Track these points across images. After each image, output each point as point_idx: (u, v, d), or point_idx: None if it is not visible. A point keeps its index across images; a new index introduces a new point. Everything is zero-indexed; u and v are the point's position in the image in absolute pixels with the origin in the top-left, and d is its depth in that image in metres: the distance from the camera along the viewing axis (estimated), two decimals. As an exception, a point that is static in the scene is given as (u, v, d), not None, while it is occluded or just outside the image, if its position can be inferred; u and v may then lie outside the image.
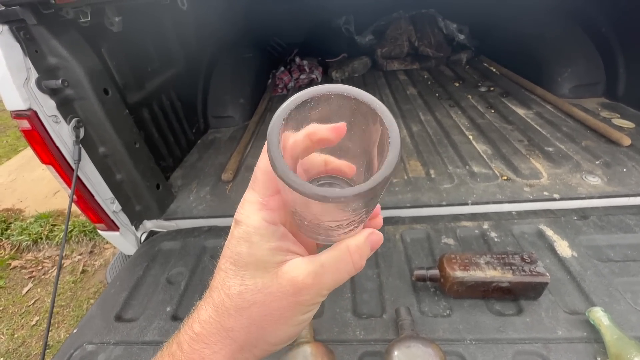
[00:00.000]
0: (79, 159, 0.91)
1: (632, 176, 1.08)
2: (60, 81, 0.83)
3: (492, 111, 1.62)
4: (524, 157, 1.24)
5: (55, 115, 0.87)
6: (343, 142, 0.24)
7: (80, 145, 0.93)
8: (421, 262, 0.89)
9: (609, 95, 1.58)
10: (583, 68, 1.62)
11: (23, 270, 2.78)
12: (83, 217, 2.81)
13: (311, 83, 2.30)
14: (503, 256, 0.76)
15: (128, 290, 0.92)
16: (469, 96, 1.79)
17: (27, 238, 2.87)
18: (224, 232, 1.10)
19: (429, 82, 2.06)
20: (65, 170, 0.92)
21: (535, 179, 1.13)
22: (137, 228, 1.17)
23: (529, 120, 1.49)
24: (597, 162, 1.17)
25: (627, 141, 1.22)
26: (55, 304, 2.37)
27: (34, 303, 2.47)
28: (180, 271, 0.97)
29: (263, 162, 0.26)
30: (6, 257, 2.94)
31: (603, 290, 0.76)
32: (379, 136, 0.23)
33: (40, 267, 2.76)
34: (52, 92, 0.85)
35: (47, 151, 0.86)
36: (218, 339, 0.26)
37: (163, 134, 1.40)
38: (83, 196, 0.98)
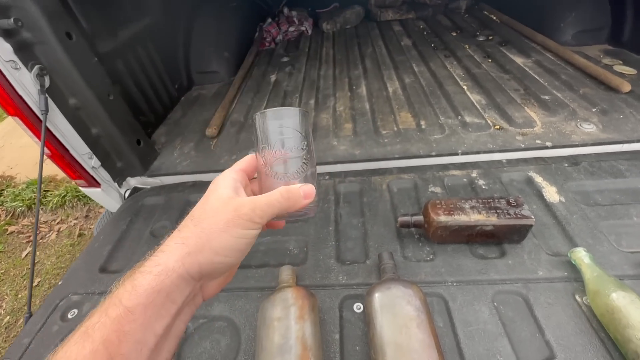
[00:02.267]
0: (47, 110, 0.86)
1: (628, 123, 1.05)
2: (12, 20, 0.75)
3: (489, 61, 1.54)
4: (518, 106, 1.19)
5: (14, 61, 0.80)
6: None
7: (47, 95, 0.87)
8: (407, 210, 0.88)
9: (613, 41, 1.49)
10: (588, 12, 1.52)
11: (20, 235, 2.81)
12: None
13: (300, 36, 2.17)
14: (489, 200, 0.75)
15: (112, 244, 0.92)
16: (466, 46, 1.70)
17: (21, 204, 2.87)
18: (207, 186, 1.08)
19: (425, 33, 1.94)
20: (33, 123, 0.87)
21: (529, 127, 1.09)
22: (120, 185, 1.15)
23: (526, 69, 1.42)
24: (593, 110, 1.12)
25: (627, 87, 1.16)
26: (54, 266, 2.42)
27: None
28: (164, 225, 0.96)
29: (245, 157, 0.42)
30: (2, 223, 2.95)
31: (587, 233, 0.75)
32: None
33: (37, 232, 2.78)
34: (6, 34, 0.78)
35: (9, 100, 0.81)
36: (174, 247, 0.33)
37: (142, 89, 1.33)
38: (57, 150, 0.94)
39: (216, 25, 1.82)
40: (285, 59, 1.89)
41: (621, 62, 1.36)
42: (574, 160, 0.96)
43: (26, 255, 2.58)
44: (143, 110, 1.32)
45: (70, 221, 2.70)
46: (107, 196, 1.12)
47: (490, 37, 1.74)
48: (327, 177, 1.04)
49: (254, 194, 0.42)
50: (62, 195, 2.81)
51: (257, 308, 0.70)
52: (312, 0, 2.32)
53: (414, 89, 1.40)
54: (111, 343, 0.27)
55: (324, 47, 1.98)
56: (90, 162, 1.03)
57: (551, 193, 0.86)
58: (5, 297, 2.27)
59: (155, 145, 1.31)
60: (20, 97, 0.84)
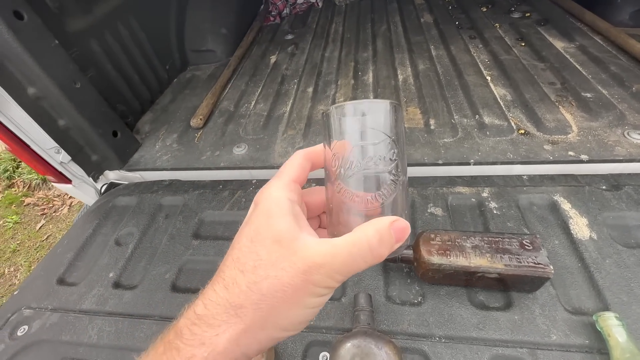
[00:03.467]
0: (-4, 102, 0.76)
1: (692, 134, 0.83)
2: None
3: (523, 44, 1.30)
4: (551, 105, 0.99)
5: (-50, 47, 0.70)
6: None
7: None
8: (399, 235, 0.74)
9: (684, 22, 1.21)
10: (655, -16, 1.23)
11: (36, 207, 2.89)
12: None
13: (310, 9, 1.96)
14: (497, 239, 0.60)
15: (74, 251, 0.85)
16: (497, 25, 1.44)
17: (37, 176, 2.93)
18: (183, 187, 0.98)
19: (450, 7, 1.68)
20: (-18, 116, 0.78)
21: (561, 134, 0.90)
22: (96, 179, 1.07)
23: (567, 57, 1.18)
24: (648, 114, 0.91)
25: (696, 86, 0.93)
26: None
27: (47, 238, 2.59)
28: (130, 231, 0.88)
29: (291, 161, 0.31)
30: (20, 194, 3.04)
31: (622, 287, 0.59)
32: None
33: (51, 205, 2.85)
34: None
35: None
36: (224, 318, 0.25)
37: (123, 72, 1.21)
38: (16, 146, 0.86)
39: (214, -5, 1.64)
40: (289, 37, 1.71)
41: (691, 50, 1.09)
42: (614, 181, 0.77)
43: (40, 228, 2.67)
44: (125, 97, 1.21)
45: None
46: (81, 192, 1.05)
47: (528, 14, 1.47)
48: (313, 184, 0.91)
49: (309, 208, 0.33)
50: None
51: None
52: (326, -33, 2.06)
53: (427, 78, 1.20)
54: None
55: (333, 23, 1.77)
56: (57, 156, 0.95)
57: (580, 226, 0.69)
58: (20, 267, 2.36)
59: (139, 135, 1.22)
60: (-36, 88, 0.74)
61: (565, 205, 0.73)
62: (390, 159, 0.28)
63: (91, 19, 1.08)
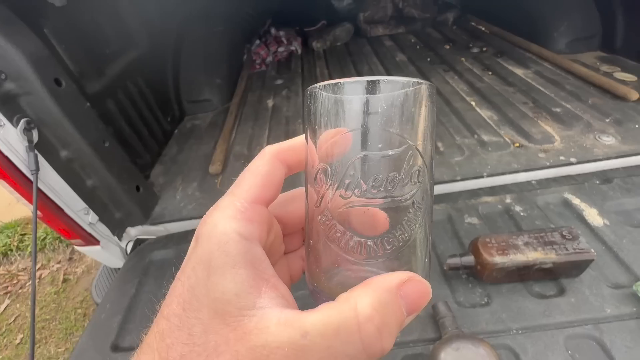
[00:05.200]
0: (37, 169, 0.75)
1: (645, 132, 1.04)
2: (-6, 73, 0.65)
3: (490, 73, 1.53)
4: (532, 121, 1.17)
5: (-4, 118, 0.70)
6: None
7: (36, 152, 0.76)
8: (447, 247, 0.82)
9: (606, 48, 1.52)
10: (579, 20, 1.55)
11: (-4, 286, 2.57)
12: (55, 223, 2.60)
13: (290, 56, 2.12)
14: (541, 234, 0.70)
15: (122, 314, 0.81)
16: (462, 59, 1.69)
17: (-7, 251, 2.63)
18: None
19: (418, 47, 1.93)
20: (22, 184, 0.76)
21: (549, 143, 1.07)
22: (120, 238, 1.03)
23: (529, 81, 1.41)
24: (607, 120, 1.12)
25: (634, 95, 1.17)
26: (39, 318, 2.21)
27: (14, 320, 2.29)
28: (179, 284, 0.86)
29: (255, 164, 0.21)
30: (-27, 274, 2.69)
31: (643, 259, 0.72)
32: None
33: (15, 281, 2.55)
34: (-13, 89, 0.67)
35: (-6, 163, 0.70)
36: None
37: (135, 128, 1.22)
38: (50, 211, 0.83)
39: (203, 51, 1.74)
40: (279, 82, 1.83)
41: (619, 68, 1.38)
42: (604, 176, 0.94)
43: (5, 309, 2.35)
44: (139, 152, 1.21)
45: (52, 266, 2.50)
46: (108, 253, 1.00)
47: (484, 49, 1.74)
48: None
49: (288, 223, 0.23)
50: (42, 238, 2.61)
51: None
52: (299, 19, 2.28)
53: (421, 108, 1.36)
54: None
55: (317, 66, 1.94)
56: (87, 218, 0.92)
57: (593, 216, 0.82)
58: (-17, 360, 2.05)
59: (154, 188, 1.20)
60: (6, 157, 0.72)
61: (575, 201, 0.87)
62: (412, 181, 0.18)
63: (105, 80, 1.11)
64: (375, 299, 0.16)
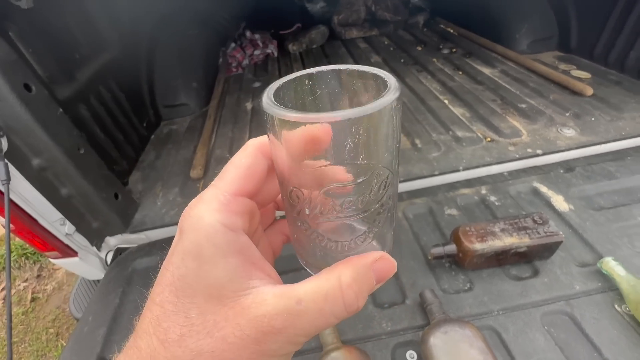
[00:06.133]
0: (8, 178, 0.71)
1: (600, 124, 1.14)
2: (-41, 79, 0.62)
3: (460, 73, 1.61)
4: (501, 117, 1.25)
5: (-38, 127, 0.66)
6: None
7: (6, 161, 0.72)
8: (429, 238, 0.86)
9: (562, 48, 1.64)
10: (538, 23, 1.66)
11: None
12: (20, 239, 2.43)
13: (267, 58, 2.12)
14: (515, 221, 0.75)
15: (106, 325, 0.78)
16: (434, 59, 1.76)
17: None
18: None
19: (391, 48, 1.99)
20: (-9, 196, 0.72)
21: (517, 137, 1.14)
22: (99, 248, 0.99)
23: (496, 79, 1.50)
24: (567, 114, 1.21)
25: (589, 91, 1.27)
26: (5, 342, 2.07)
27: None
28: (166, 291, 0.84)
29: (238, 157, 0.22)
30: None
31: (604, 239, 0.78)
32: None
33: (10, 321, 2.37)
34: (-49, 96, 0.64)
35: (-40, 174, 0.66)
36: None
37: (110, 134, 1.18)
38: (23, 222, 0.79)
39: (178, 54, 1.70)
40: (257, 84, 1.82)
41: (575, 67, 1.49)
42: (567, 165, 1.01)
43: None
44: (115, 158, 1.17)
45: (19, 284, 2.34)
46: (87, 264, 0.96)
47: (454, 50, 1.83)
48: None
49: (267, 196, 0.24)
50: (4, 255, 2.44)
51: (304, 378, 0.62)
52: (274, 23, 2.28)
53: (398, 107, 1.41)
54: None
55: (294, 68, 1.95)
56: (63, 229, 0.88)
57: (559, 202, 0.89)
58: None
59: (133, 195, 1.17)
60: (-28, 168, 0.68)
61: (543, 189, 0.94)
62: (382, 191, 0.20)
63: (76, 85, 1.06)
64: (355, 272, 0.20)
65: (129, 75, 1.42)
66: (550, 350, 0.61)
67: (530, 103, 1.30)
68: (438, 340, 0.60)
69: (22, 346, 2.00)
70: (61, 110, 0.86)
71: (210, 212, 0.20)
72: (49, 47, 0.96)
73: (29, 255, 2.43)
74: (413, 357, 0.64)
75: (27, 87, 0.76)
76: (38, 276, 2.41)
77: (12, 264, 2.45)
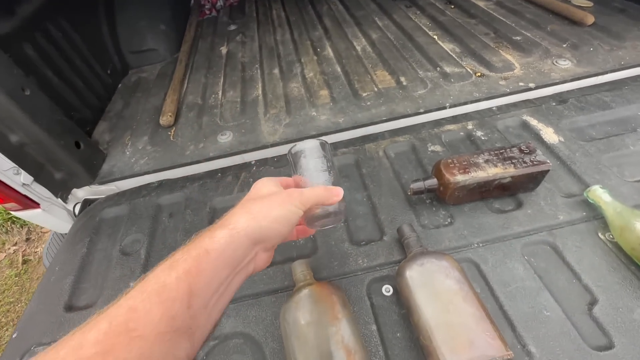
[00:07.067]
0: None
1: (598, 54, 1.05)
2: None
3: (452, 7, 1.47)
4: (493, 51, 1.15)
5: None
6: None
7: None
8: (411, 175, 0.81)
9: (565, -25, 1.49)
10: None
11: None
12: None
13: None
14: (501, 151, 0.70)
15: (73, 274, 0.75)
16: (425, -7, 1.60)
17: None
18: (178, 184, 0.92)
19: (379, -16, 1.81)
20: None
21: (509, 71, 1.06)
22: (65, 200, 0.94)
23: (491, 12, 1.37)
24: (564, 45, 1.12)
25: (590, 19, 1.17)
26: (2, 302, 2.10)
27: (-28, 309, 2.16)
28: (136, 238, 0.80)
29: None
30: None
31: (593, 169, 0.74)
32: None
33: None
34: None
35: None
36: (240, 212, 0.40)
37: (66, 78, 1.08)
38: (-33, 171, 0.72)
39: (142, -7, 1.52)
40: (232, 27, 1.67)
41: (576, -5, 1.36)
42: (560, 98, 0.95)
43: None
44: (74, 105, 1.07)
45: (9, 248, 2.33)
46: (52, 216, 0.91)
47: (447, -18, 1.66)
48: (314, 152, 0.94)
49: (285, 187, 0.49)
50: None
51: (276, 315, 0.60)
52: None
53: (384, 45, 1.30)
54: (191, 275, 0.32)
55: (273, 9, 1.78)
56: (17, 178, 0.81)
57: (549, 134, 0.84)
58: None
59: (100, 145, 1.09)
60: None
61: (533, 122, 0.88)
62: (326, 168, 0.51)
63: (17, 21, 0.94)
64: (325, 187, 0.47)
65: (84, 13, 1.26)
66: (528, 278, 0.60)
67: (526, 35, 1.19)
68: (414, 272, 0.57)
69: (19, 306, 2.02)
70: (-5, 44, 0.75)
71: (267, 180, 0.47)
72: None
73: (15, 219, 2.39)
74: (389, 291, 0.62)
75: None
76: (27, 239, 2.39)
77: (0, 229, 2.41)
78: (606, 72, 0.99)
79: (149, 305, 0.29)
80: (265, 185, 0.45)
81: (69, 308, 0.69)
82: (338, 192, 0.46)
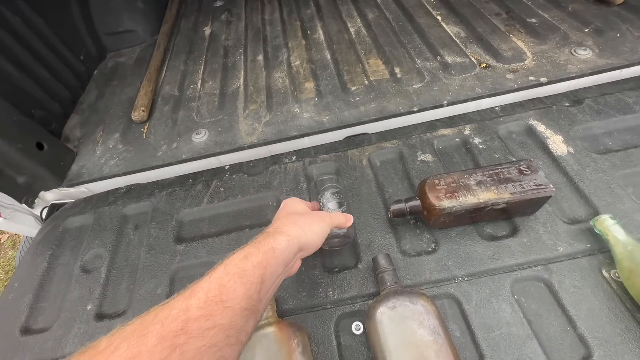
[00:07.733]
0: None
1: (626, 42, 0.91)
2: None
3: (462, -20, 1.29)
4: (503, 36, 1.01)
5: None
6: None
7: None
8: (396, 189, 0.73)
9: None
10: None
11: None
12: None
13: (233, -30, 1.75)
14: (496, 170, 0.61)
15: (32, 292, 0.71)
16: (432, -37, 1.42)
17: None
18: (147, 191, 0.86)
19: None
20: None
21: (519, 61, 0.92)
22: (31, 205, 0.89)
23: (505, -14, 1.20)
24: (586, 30, 0.97)
25: (620, -2, 1.00)
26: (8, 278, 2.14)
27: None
28: (97, 253, 0.75)
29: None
30: None
31: (604, 189, 0.65)
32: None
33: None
34: None
35: None
36: (287, 225, 0.48)
37: (28, 70, 0.99)
38: None
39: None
40: (218, 3, 1.52)
41: (607, -35, 1.17)
42: (574, 97, 0.83)
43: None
44: (38, 100, 0.99)
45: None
46: (19, 224, 0.87)
47: (458, -51, 1.46)
48: (293, 157, 0.85)
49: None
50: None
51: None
52: None
53: (380, 27, 1.16)
54: (262, 266, 0.40)
55: (263, -19, 1.61)
56: (-29, 187, 0.76)
57: (557, 143, 0.73)
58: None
59: (70, 143, 1.03)
60: None
61: (540, 127, 0.77)
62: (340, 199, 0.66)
63: (-37, 6, 0.84)
64: (342, 214, 0.59)
65: (49, -7, 1.15)
66: (516, 323, 0.53)
67: (543, 17, 1.04)
68: (384, 317, 0.51)
69: None
70: None
71: (297, 200, 0.59)
72: None
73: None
74: (359, 329, 0.56)
75: None
76: None
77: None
78: (633, 65, 0.86)
79: (234, 284, 0.37)
80: (297, 204, 0.56)
81: (25, 331, 0.66)
82: (350, 219, 0.58)
